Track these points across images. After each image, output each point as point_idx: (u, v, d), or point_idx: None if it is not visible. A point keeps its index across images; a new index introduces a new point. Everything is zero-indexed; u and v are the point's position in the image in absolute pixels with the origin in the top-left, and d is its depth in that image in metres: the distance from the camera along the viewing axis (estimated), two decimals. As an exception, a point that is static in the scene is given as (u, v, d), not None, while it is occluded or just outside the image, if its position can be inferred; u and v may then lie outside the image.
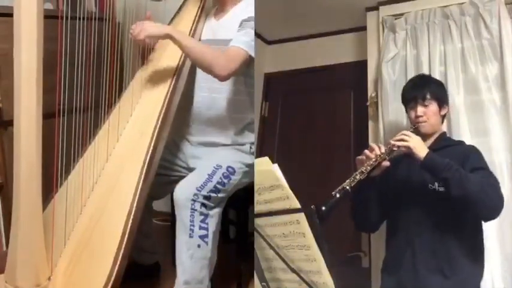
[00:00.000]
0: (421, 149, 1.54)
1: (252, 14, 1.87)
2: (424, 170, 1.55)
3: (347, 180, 1.49)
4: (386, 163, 1.57)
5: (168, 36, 1.78)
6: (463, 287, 1.56)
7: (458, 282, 1.54)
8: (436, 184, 1.58)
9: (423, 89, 1.72)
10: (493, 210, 1.50)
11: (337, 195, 1.44)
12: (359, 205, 1.68)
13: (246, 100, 2.02)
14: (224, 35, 1.93)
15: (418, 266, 1.58)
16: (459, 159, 1.59)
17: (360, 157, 1.60)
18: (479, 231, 1.63)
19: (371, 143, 1.64)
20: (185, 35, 1.88)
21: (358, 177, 1.51)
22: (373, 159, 1.55)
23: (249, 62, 1.86)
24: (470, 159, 1.60)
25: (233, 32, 1.87)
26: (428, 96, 1.70)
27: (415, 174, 1.65)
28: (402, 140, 1.57)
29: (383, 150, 1.58)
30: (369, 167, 1.54)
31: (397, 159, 1.68)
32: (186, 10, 2.12)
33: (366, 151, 1.60)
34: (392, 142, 1.59)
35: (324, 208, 1.39)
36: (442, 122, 1.79)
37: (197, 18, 2.05)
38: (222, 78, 1.82)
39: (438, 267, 1.56)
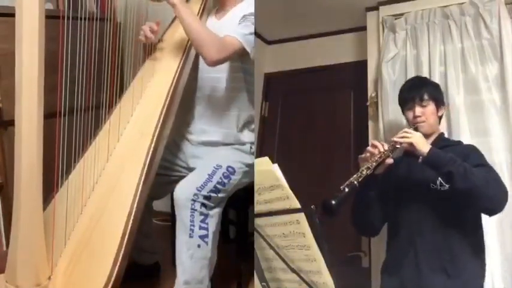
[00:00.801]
0: (423, 144, 1.54)
1: (253, 11, 1.88)
2: (427, 165, 1.54)
3: (354, 176, 1.49)
4: (390, 160, 1.57)
5: (173, 5, 1.78)
6: (466, 287, 1.56)
7: (461, 281, 1.54)
8: (438, 183, 1.58)
9: (421, 89, 1.72)
10: (498, 203, 1.50)
11: (346, 190, 1.44)
12: (361, 204, 1.67)
13: (245, 97, 2.02)
14: (225, 34, 1.93)
15: (421, 265, 1.58)
16: (460, 158, 1.59)
17: (362, 155, 1.60)
18: (480, 229, 1.64)
19: (373, 140, 1.64)
20: (190, 11, 1.86)
21: (364, 172, 1.50)
22: (378, 156, 1.55)
23: (242, 56, 1.86)
24: (470, 157, 1.60)
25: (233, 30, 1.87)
26: (426, 97, 1.70)
27: (416, 173, 1.65)
28: (404, 137, 1.57)
29: (386, 147, 1.58)
30: (374, 163, 1.53)
31: (397, 159, 1.68)
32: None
33: (369, 148, 1.60)
34: (395, 139, 1.59)
35: (334, 202, 1.38)
36: (439, 122, 1.78)
37: (199, 17, 2.05)
38: (210, 63, 1.82)
39: (441, 267, 1.56)
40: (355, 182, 1.47)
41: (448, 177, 1.50)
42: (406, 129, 1.62)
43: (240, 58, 1.92)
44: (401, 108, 1.81)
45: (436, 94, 1.74)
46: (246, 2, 1.96)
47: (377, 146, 1.58)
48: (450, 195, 1.53)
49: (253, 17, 1.86)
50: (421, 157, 1.54)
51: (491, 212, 1.56)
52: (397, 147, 1.59)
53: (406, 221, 1.67)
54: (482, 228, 1.64)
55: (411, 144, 1.55)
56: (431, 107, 1.71)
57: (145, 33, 1.94)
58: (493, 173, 1.55)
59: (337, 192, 1.44)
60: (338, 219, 1.47)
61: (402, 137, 1.58)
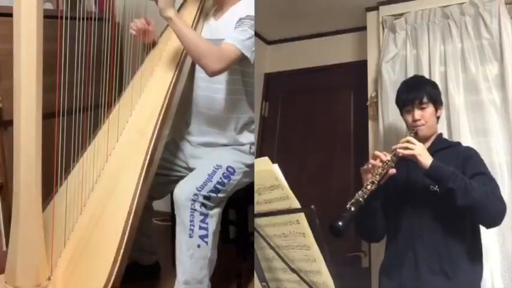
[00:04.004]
0: (426, 156, 1.52)
1: (250, 13, 1.86)
2: (428, 178, 1.53)
3: (359, 192, 1.46)
4: (393, 170, 1.54)
5: (169, 19, 1.78)
6: None
7: (461, 283, 1.54)
8: (437, 185, 1.57)
9: (419, 92, 1.69)
10: (497, 219, 1.50)
11: (352, 208, 1.41)
12: (365, 215, 1.62)
13: (244, 100, 2.01)
14: (222, 35, 1.92)
15: (420, 267, 1.57)
16: (459, 162, 1.59)
17: (364, 167, 1.58)
18: (478, 231, 1.63)
19: (375, 152, 1.61)
20: (185, 23, 1.86)
21: (369, 187, 1.48)
22: (381, 168, 1.53)
23: (241, 60, 1.85)
24: (471, 163, 1.59)
25: (231, 31, 1.86)
26: (425, 99, 1.68)
27: (415, 175, 1.63)
28: (407, 148, 1.54)
29: (388, 157, 1.55)
30: (378, 176, 1.51)
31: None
32: (185, 10, 2.12)
33: (371, 161, 1.57)
34: (398, 150, 1.55)
35: (341, 224, 1.35)
36: (437, 122, 1.77)
37: (196, 18, 2.05)
38: (211, 74, 1.81)
39: (441, 269, 1.55)
40: (361, 199, 1.44)
41: (449, 193, 1.48)
42: (408, 139, 1.58)
43: (238, 61, 1.91)
44: (400, 109, 1.79)
45: (435, 95, 1.72)
46: (245, 1, 1.96)
47: (379, 156, 1.56)
48: (448, 197, 1.52)
49: (250, 20, 1.84)
50: (423, 169, 1.52)
51: (489, 226, 1.56)
52: (399, 157, 1.56)
53: (405, 223, 1.65)
54: (480, 230, 1.63)
55: (414, 155, 1.53)
56: (430, 109, 1.69)
57: (135, 26, 1.94)
58: (492, 185, 1.54)
59: (343, 209, 1.40)
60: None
61: (405, 148, 1.55)
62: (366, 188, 1.48)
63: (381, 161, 1.55)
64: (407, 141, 1.57)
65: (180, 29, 1.79)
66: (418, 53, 2.22)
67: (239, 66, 1.93)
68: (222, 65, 1.79)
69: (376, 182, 1.50)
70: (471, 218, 1.56)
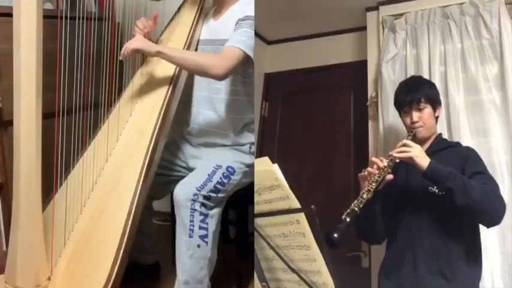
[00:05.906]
0: (423, 158, 1.51)
1: (249, 13, 1.86)
2: (426, 179, 1.53)
3: (355, 202, 1.45)
4: (390, 176, 1.54)
5: (158, 54, 1.79)
6: None
7: (459, 284, 1.53)
8: (436, 187, 1.57)
9: (417, 93, 1.68)
10: (497, 218, 1.49)
11: (348, 219, 1.39)
12: (366, 219, 1.61)
13: (245, 100, 2.01)
14: (222, 35, 1.92)
15: (420, 269, 1.57)
16: (458, 162, 1.58)
17: (362, 173, 1.58)
18: (478, 232, 1.62)
19: (372, 158, 1.60)
20: (172, 48, 1.88)
21: (365, 196, 1.47)
22: (377, 175, 1.52)
23: (245, 61, 1.85)
24: (470, 163, 1.59)
25: (230, 31, 1.86)
26: (423, 101, 1.67)
27: (414, 177, 1.63)
28: (404, 151, 1.54)
29: (385, 163, 1.54)
30: (374, 184, 1.50)
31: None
32: (185, 10, 2.12)
33: (369, 168, 1.56)
34: (394, 154, 1.55)
35: (336, 235, 1.33)
36: (436, 122, 1.77)
37: (196, 18, 2.05)
38: (220, 77, 1.81)
39: (440, 270, 1.55)
40: (357, 209, 1.43)
41: (448, 193, 1.48)
42: (405, 142, 1.58)
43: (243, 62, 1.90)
44: (398, 111, 1.78)
45: (433, 96, 1.71)
46: (244, 1, 1.95)
47: (376, 163, 1.55)
48: (448, 199, 1.51)
49: (249, 20, 1.84)
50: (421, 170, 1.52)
51: (489, 225, 1.56)
52: (397, 162, 1.55)
53: (404, 224, 1.65)
54: (479, 231, 1.63)
55: (411, 158, 1.52)
56: (428, 109, 1.68)
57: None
58: (491, 183, 1.54)
59: (344, 209, 1.40)
60: (338, 219, 1.46)
61: (401, 151, 1.54)
62: (361, 197, 1.47)
63: (378, 167, 1.54)
64: (404, 145, 1.56)
65: (170, 56, 1.80)
66: (418, 53, 2.22)
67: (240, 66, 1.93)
68: (227, 66, 1.78)
69: (372, 190, 1.49)
70: (471, 218, 1.55)
